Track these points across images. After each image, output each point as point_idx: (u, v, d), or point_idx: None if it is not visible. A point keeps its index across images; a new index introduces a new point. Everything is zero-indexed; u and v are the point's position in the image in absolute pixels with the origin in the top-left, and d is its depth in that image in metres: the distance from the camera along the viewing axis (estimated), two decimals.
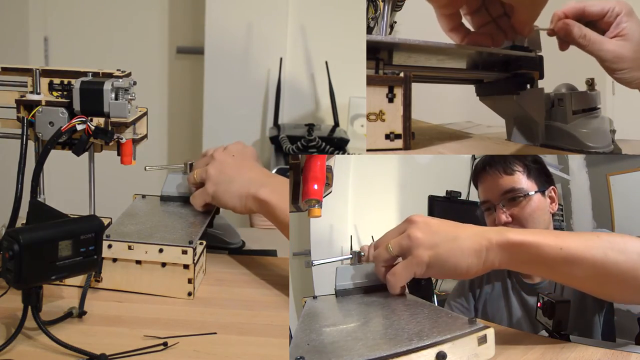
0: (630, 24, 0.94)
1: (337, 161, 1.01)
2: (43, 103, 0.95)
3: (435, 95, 1.34)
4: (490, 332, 0.65)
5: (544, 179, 1.13)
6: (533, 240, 0.74)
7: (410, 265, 0.77)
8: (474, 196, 1.70)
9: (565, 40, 0.97)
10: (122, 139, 0.95)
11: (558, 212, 1.17)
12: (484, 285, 1.19)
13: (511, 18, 1.00)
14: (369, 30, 1.03)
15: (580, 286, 0.79)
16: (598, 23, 0.96)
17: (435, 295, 1.37)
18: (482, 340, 0.64)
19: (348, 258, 0.94)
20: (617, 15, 0.94)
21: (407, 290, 0.86)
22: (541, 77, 1.08)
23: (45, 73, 0.97)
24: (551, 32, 0.98)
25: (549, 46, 1.05)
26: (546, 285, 1.10)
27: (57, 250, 0.77)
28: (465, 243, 0.75)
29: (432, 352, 0.61)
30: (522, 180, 1.11)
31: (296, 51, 2.12)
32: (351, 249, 1.28)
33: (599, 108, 1.07)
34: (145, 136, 1.02)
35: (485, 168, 1.14)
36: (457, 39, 1.02)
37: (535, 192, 1.10)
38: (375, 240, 0.88)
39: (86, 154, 0.97)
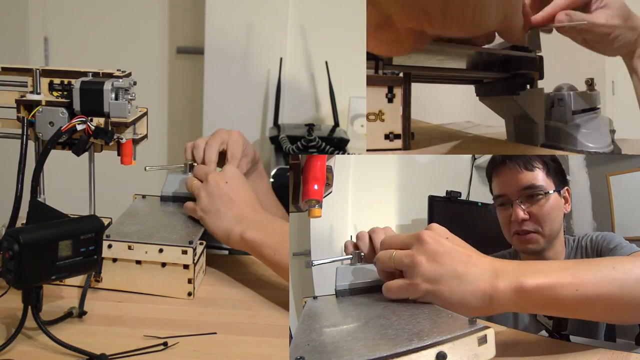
0: None
1: (337, 161, 1.01)
2: (43, 103, 0.95)
3: (435, 95, 1.34)
4: (490, 332, 0.65)
5: (560, 179, 1.11)
6: (548, 283, 0.69)
7: (406, 290, 0.73)
8: (474, 196, 1.70)
9: (564, 31, 0.97)
10: (122, 139, 0.95)
11: (568, 214, 1.16)
12: None
13: None
14: None
15: (596, 319, 0.78)
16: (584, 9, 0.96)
17: None
18: (483, 340, 0.64)
19: (348, 258, 0.94)
20: None
21: None
22: (541, 77, 1.08)
23: (45, 73, 0.97)
24: (549, 30, 0.98)
25: (549, 46, 1.05)
26: None
27: (57, 250, 0.77)
28: (469, 287, 0.69)
29: (432, 353, 0.61)
30: (541, 178, 1.08)
31: (296, 51, 2.12)
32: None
33: (599, 108, 1.07)
34: (145, 136, 1.02)
35: (505, 161, 1.11)
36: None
37: (554, 191, 1.09)
38: (369, 230, 0.87)
39: (86, 154, 0.97)
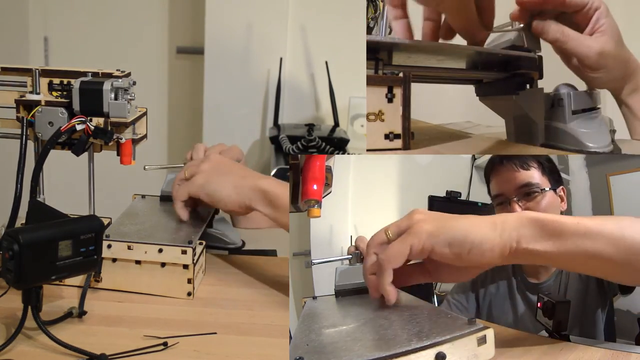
0: (609, 20, 0.92)
1: (337, 161, 1.01)
2: (43, 103, 0.95)
3: (435, 95, 1.34)
4: (489, 333, 0.65)
5: (555, 178, 1.14)
6: (551, 216, 0.72)
7: (407, 238, 0.70)
8: (474, 196, 1.70)
9: (540, 37, 0.96)
10: (121, 139, 0.95)
11: (565, 213, 1.17)
12: (488, 285, 1.19)
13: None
14: (369, 30, 1.03)
15: (596, 268, 0.74)
16: (574, 17, 0.94)
17: (435, 295, 1.37)
18: (482, 340, 0.64)
19: (348, 258, 0.94)
20: (595, 9, 0.92)
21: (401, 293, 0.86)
22: (541, 77, 1.08)
23: (45, 73, 0.97)
24: (525, 29, 0.97)
25: (549, 46, 1.05)
26: (551, 285, 1.10)
27: (57, 250, 0.77)
28: (477, 219, 0.71)
29: (431, 353, 0.61)
30: (537, 176, 1.11)
31: (296, 51, 2.12)
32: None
33: (599, 108, 1.07)
34: (145, 136, 1.02)
35: (502, 161, 1.14)
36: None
37: (550, 188, 1.11)
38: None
39: (86, 154, 0.97)
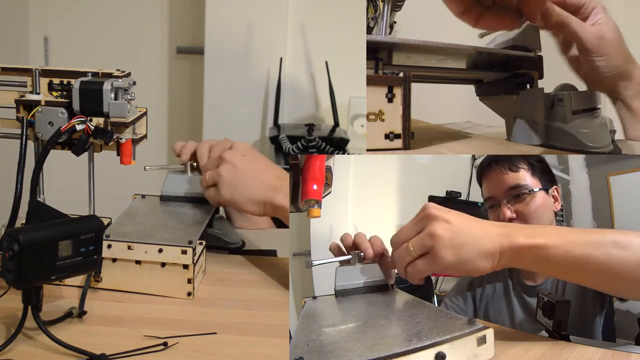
0: (605, 16, 0.97)
1: (337, 161, 1.01)
2: (43, 103, 0.95)
3: (435, 95, 1.34)
4: (489, 333, 0.65)
5: (547, 178, 1.14)
6: (540, 243, 0.76)
7: (433, 264, 0.77)
8: (474, 196, 1.70)
9: (544, 21, 0.98)
10: (121, 139, 0.95)
11: (558, 212, 1.17)
12: (484, 287, 1.19)
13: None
14: (369, 30, 1.03)
15: (587, 284, 0.81)
16: (574, 15, 0.97)
17: (435, 295, 1.37)
18: (482, 340, 0.64)
19: (348, 258, 0.94)
20: (592, 8, 0.97)
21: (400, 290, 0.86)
22: (541, 77, 1.08)
23: (45, 73, 0.97)
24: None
25: (549, 46, 1.05)
26: (547, 287, 1.10)
27: (57, 250, 0.77)
28: (486, 245, 0.76)
29: (431, 353, 0.61)
30: (526, 177, 1.11)
31: (296, 51, 2.12)
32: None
33: (599, 108, 1.07)
34: (145, 136, 1.02)
35: (490, 165, 1.14)
36: (470, 22, 1.00)
37: (540, 189, 1.11)
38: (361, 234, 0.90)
39: (86, 154, 0.97)
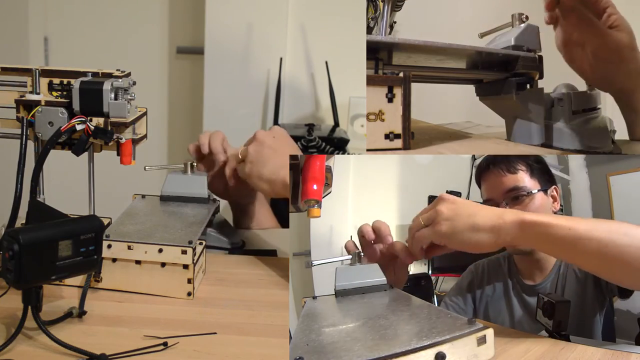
0: (619, 16, 0.98)
1: (337, 161, 1.01)
2: (43, 103, 0.95)
3: (435, 95, 1.34)
4: (489, 333, 0.65)
5: (546, 178, 1.13)
6: (545, 220, 0.80)
7: (432, 233, 0.86)
8: (474, 196, 1.70)
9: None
10: (121, 139, 0.95)
11: (559, 212, 1.17)
12: (484, 287, 1.19)
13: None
14: (369, 30, 1.03)
15: (587, 266, 0.83)
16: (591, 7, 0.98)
17: (435, 295, 1.37)
18: (482, 340, 0.64)
19: (348, 258, 0.94)
20: (606, 4, 0.98)
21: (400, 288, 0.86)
22: (541, 77, 1.08)
23: (45, 73, 0.97)
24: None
25: (549, 46, 1.05)
26: (547, 287, 1.10)
27: (57, 250, 0.77)
28: (481, 220, 0.83)
29: (431, 353, 0.61)
30: (525, 179, 1.11)
31: (296, 51, 2.12)
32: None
33: (599, 108, 1.07)
34: (145, 136, 1.02)
35: (488, 167, 1.14)
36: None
37: (538, 190, 1.10)
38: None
39: (86, 154, 0.97)
